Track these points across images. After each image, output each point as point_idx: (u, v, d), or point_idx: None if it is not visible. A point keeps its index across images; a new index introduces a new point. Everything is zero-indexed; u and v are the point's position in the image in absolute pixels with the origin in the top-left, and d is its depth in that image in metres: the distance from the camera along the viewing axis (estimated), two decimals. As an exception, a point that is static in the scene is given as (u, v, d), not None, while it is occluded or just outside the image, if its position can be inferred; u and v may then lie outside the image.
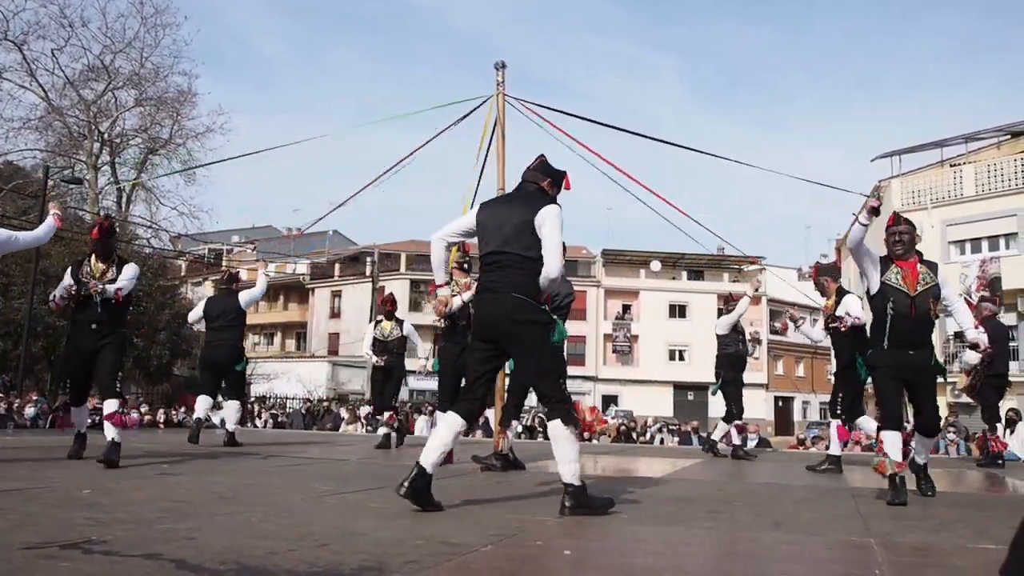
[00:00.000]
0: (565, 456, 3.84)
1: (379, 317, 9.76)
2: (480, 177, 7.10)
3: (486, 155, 7.02)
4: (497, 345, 3.94)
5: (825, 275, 7.40)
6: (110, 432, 5.55)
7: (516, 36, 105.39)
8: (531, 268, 3.83)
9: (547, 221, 3.82)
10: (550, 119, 7.38)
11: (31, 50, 25.59)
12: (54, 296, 5.98)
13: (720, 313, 9.43)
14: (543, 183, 4.06)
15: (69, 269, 6.02)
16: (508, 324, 3.82)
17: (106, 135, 26.99)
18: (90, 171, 26.35)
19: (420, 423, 16.90)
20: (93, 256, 5.98)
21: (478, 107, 7.22)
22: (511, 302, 3.79)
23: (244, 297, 8.70)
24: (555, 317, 4.02)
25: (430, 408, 18.41)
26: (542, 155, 4.19)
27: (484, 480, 5.64)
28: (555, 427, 3.84)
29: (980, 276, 23.22)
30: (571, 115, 7.64)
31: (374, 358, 9.25)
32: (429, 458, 3.81)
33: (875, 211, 4.85)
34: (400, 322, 9.44)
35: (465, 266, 6.66)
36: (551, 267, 3.82)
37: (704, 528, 3.63)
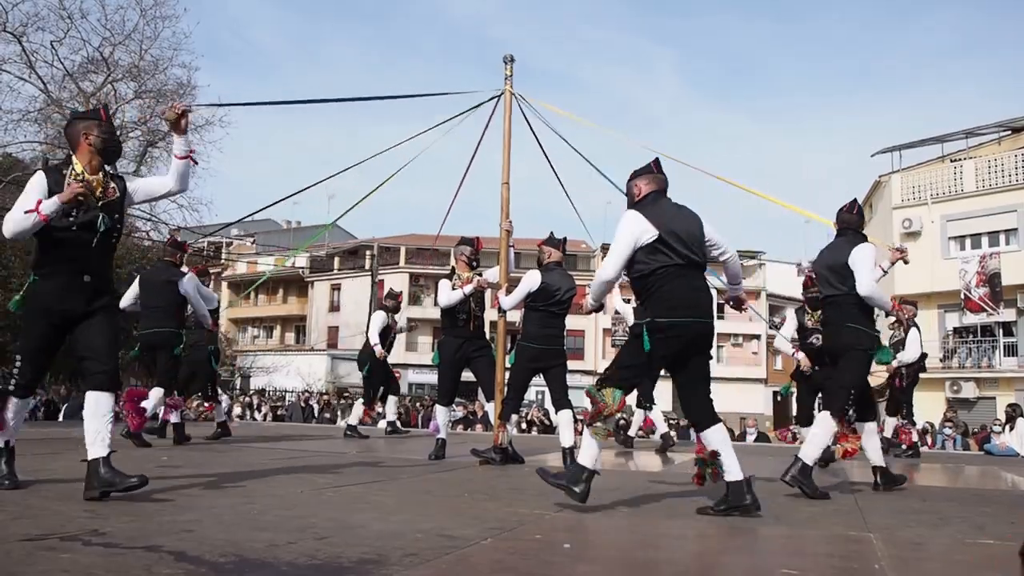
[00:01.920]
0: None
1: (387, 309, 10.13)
2: (508, 170, 7.03)
3: (509, 149, 6.99)
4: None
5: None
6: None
7: (512, 26, 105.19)
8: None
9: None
10: (554, 118, 7.38)
11: (30, 42, 25.46)
12: (34, 213, 3.63)
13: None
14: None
15: (39, 178, 3.86)
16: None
17: (105, 127, 26.90)
18: (89, 164, 26.28)
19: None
20: (81, 162, 3.91)
21: (487, 101, 7.20)
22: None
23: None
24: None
25: (429, 402, 18.43)
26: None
27: (483, 474, 5.64)
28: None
29: (980, 272, 23.22)
30: (580, 120, 7.63)
31: (380, 350, 9.41)
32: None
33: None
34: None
35: (473, 263, 6.66)
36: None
37: (703, 522, 3.63)
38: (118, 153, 4.16)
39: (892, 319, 8.96)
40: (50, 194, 3.71)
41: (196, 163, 4.16)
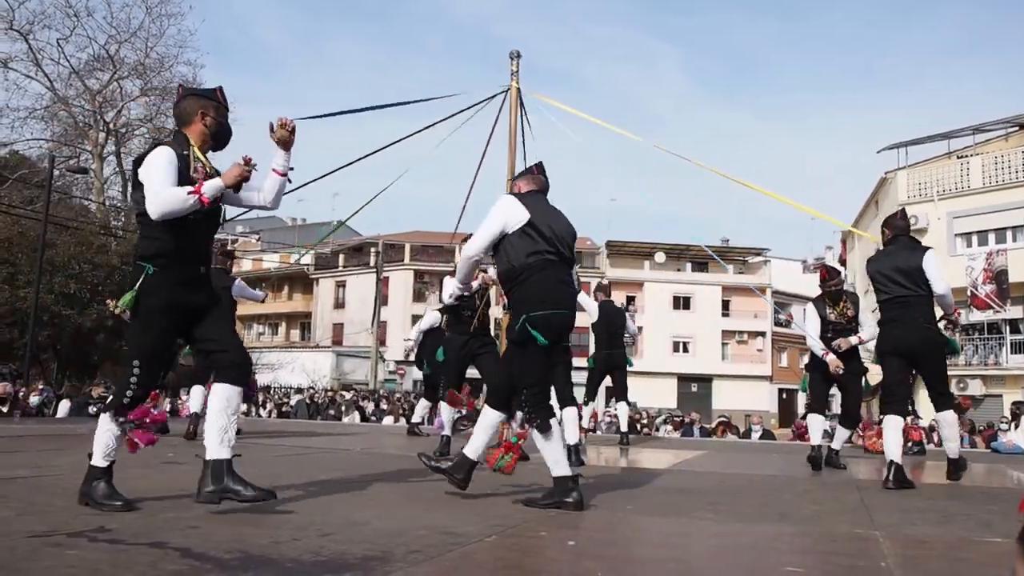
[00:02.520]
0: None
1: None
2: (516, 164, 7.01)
3: (524, 144, 6.99)
4: None
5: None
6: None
7: (517, 24, 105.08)
8: None
9: None
10: (557, 116, 7.37)
11: (36, 40, 25.58)
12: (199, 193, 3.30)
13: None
14: None
15: (169, 154, 3.43)
16: None
17: (111, 125, 26.98)
18: (95, 161, 26.37)
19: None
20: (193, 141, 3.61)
21: (493, 96, 7.19)
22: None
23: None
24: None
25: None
26: None
27: (487, 471, 5.63)
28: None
29: (986, 269, 23.14)
30: (589, 118, 7.61)
31: (411, 344, 9.80)
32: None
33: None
34: None
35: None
36: None
37: (707, 520, 3.63)
38: (227, 142, 3.77)
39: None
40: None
41: (291, 181, 3.87)
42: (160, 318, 3.40)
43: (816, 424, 6.71)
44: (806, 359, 7.43)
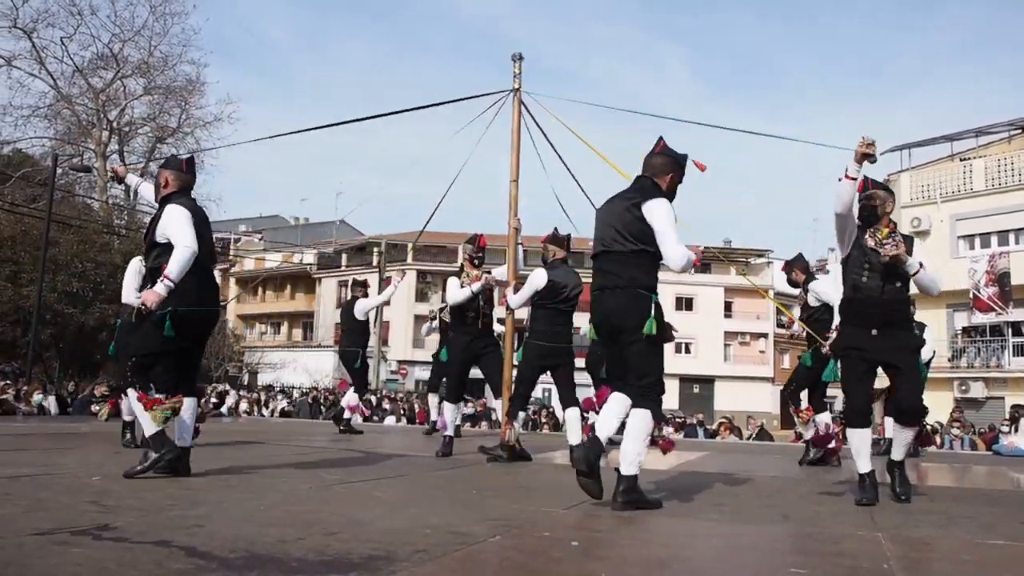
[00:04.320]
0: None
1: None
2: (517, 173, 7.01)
3: (519, 147, 6.98)
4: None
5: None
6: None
7: (522, 23, 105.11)
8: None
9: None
10: (560, 114, 7.36)
11: (40, 38, 25.67)
12: None
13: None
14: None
15: None
16: None
17: (115, 123, 27.04)
18: (99, 159, 26.41)
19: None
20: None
21: (498, 102, 7.19)
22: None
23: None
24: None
25: (438, 398, 18.43)
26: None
27: (491, 471, 5.65)
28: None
29: (989, 271, 23.12)
30: (592, 104, 7.61)
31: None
32: None
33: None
34: None
35: (476, 260, 6.66)
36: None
37: (710, 520, 3.63)
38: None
39: None
40: None
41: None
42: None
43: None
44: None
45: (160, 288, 4.08)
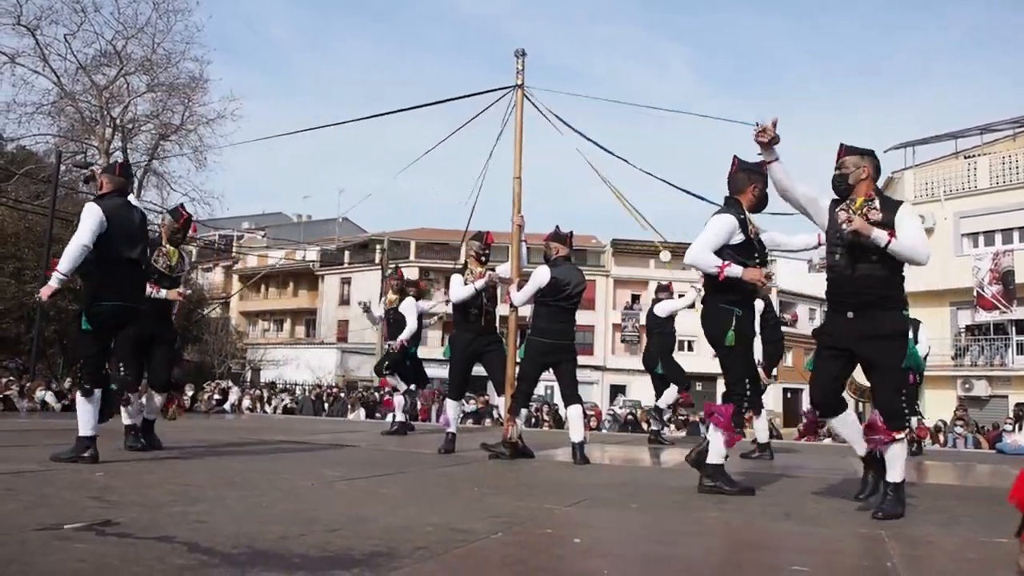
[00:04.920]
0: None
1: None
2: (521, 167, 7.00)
3: (521, 143, 6.97)
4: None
5: None
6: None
7: (524, 22, 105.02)
8: None
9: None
10: (561, 113, 7.35)
11: (44, 35, 25.63)
12: None
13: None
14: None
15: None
16: None
17: (118, 121, 27.03)
18: (102, 156, 26.39)
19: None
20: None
21: (500, 98, 7.18)
22: None
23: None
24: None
25: (440, 396, 18.45)
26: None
27: (493, 468, 5.65)
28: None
29: (993, 269, 23.05)
30: (595, 98, 7.60)
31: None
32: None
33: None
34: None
35: (483, 258, 6.66)
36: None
37: (713, 517, 3.63)
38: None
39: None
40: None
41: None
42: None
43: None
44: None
45: (52, 281, 4.61)
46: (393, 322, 9.36)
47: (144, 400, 5.76)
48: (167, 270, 5.91)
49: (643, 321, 8.44)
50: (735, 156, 4.50)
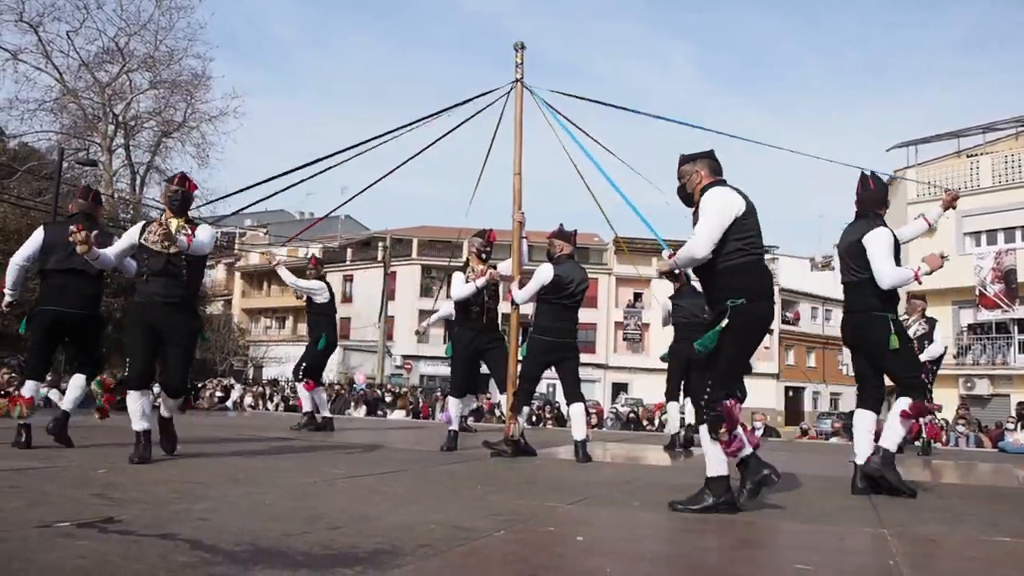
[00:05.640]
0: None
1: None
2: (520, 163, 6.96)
3: (521, 139, 6.94)
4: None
5: None
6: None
7: (527, 19, 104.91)
8: None
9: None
10: (563, 111, 7.32)
11: (46, 32, 25.67)
12: None
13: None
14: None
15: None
16: None
17: (120, 117, 27.06)
18: (104, 153, 26.46)
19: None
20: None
21: (499, 97, 7.16)
22: None
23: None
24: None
25: (442, 394, 18.47)
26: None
27: (495, 466, 5.65)
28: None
29: (995, 268, 23.01)
30: (594, 101, 7.57)
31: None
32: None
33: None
34: None
35: (484, 255, 6.65)
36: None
37: (715, 515, 3.62)
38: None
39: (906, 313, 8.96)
40: None
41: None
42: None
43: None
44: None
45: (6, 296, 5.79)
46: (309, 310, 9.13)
47: (155, 402, 5.15)
48: (159, 245, 4.82)
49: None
50: (864, 172, 4.85)
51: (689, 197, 3.97)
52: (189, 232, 4.89)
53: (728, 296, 3.71)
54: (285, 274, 8.97)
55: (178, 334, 4.92)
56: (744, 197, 3.85)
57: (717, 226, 3.71)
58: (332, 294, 9.11)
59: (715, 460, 3.71)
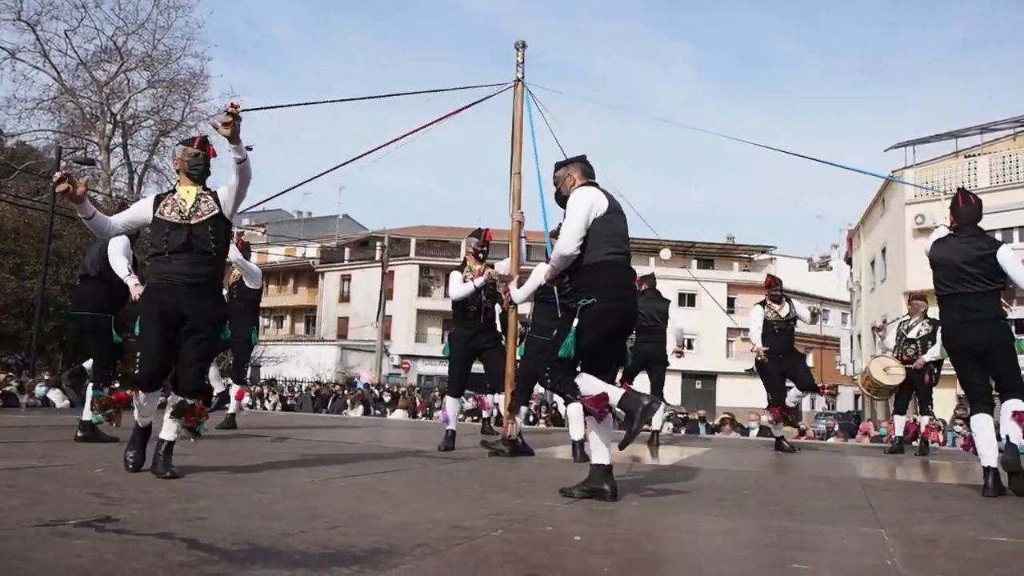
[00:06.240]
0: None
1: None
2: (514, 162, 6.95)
3: (521, 138, 6.92)
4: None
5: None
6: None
7: (526, 19, 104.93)
8: None
9: None
10: (566, 107, 7.32)
11: (44, 31, 25.61)
12: None
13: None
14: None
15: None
16: None
17: (118, 116, 27.02)
18: (102, 152, 26.41)
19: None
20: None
21: (495, 89, 7.15)
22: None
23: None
24: None
25: (438, 393, 18.47)
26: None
27: (493, 465, 5.64)
28: None
29: (993, 268, 23.01)
30: (593, 101, 7.57)
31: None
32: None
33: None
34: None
35: (480, 255, 6.64)
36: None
37: (713, 516, 3.63)
38: None
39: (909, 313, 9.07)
40: None
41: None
42: None
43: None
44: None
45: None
46: (238, 297, 8.17)
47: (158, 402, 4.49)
48: (178, 217, 4.23)
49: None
50: (960, 188, 5.30)
51: (564, 200, 4.15)
52: (210, 200, 4.31)
53: (582, 296, 3.94)
54: (233, 251, 6.94)
55: (203, 321, 4.17)
56: (609, 198, 4.07)
57: (580, 223, 3.94)
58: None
59: (598, 449, 3.97)
